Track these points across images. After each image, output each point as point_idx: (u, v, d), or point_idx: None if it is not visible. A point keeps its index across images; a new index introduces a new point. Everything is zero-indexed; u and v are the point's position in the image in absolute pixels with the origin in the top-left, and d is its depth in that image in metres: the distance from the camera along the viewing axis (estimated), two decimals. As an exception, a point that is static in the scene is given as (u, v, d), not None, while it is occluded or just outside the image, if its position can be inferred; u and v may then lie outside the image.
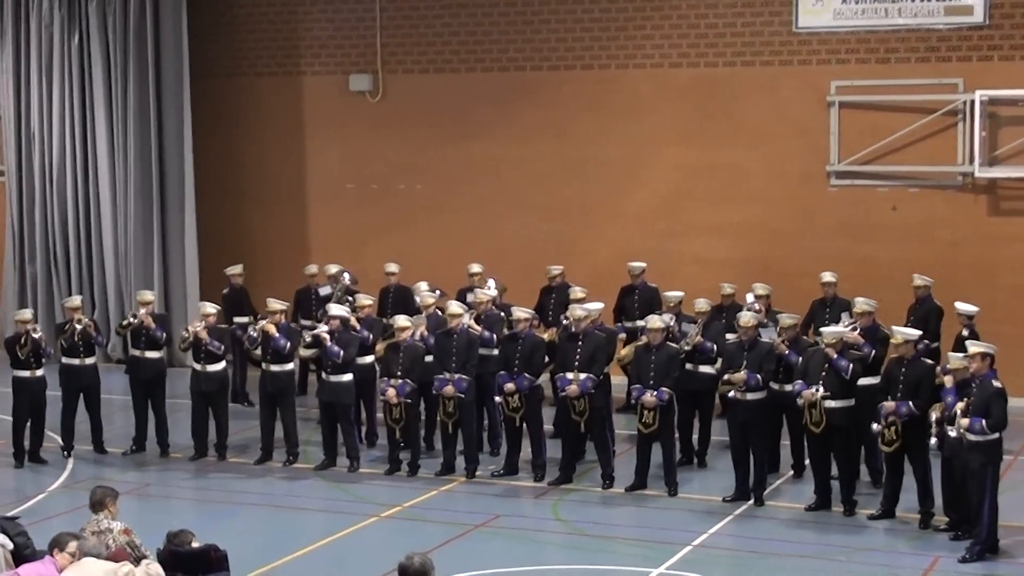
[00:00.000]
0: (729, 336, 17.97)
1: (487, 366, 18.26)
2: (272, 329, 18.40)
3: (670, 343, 17.29)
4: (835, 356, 15.94)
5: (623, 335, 20.16)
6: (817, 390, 15.83)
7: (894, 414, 15.23)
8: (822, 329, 16.85)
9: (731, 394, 16.71)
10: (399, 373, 17.71)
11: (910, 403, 15.17)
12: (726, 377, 16.72)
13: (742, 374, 16.37)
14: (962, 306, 18.41)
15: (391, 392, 17.64)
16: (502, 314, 19.04)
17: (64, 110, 25.94)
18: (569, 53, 23.89)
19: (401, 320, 18.14)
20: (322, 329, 18.32)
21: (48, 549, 10.91)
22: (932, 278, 19.57)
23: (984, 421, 14.16)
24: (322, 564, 14.77)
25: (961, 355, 15.01)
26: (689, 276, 21.85)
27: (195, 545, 11.04)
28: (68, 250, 26.23)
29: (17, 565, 11.08)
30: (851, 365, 15.90)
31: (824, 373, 15.91)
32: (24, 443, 18.73)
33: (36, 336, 18.48)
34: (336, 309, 18.67)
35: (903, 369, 15.48)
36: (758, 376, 16.37)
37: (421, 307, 19.37)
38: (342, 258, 22.72)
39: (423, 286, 20.28)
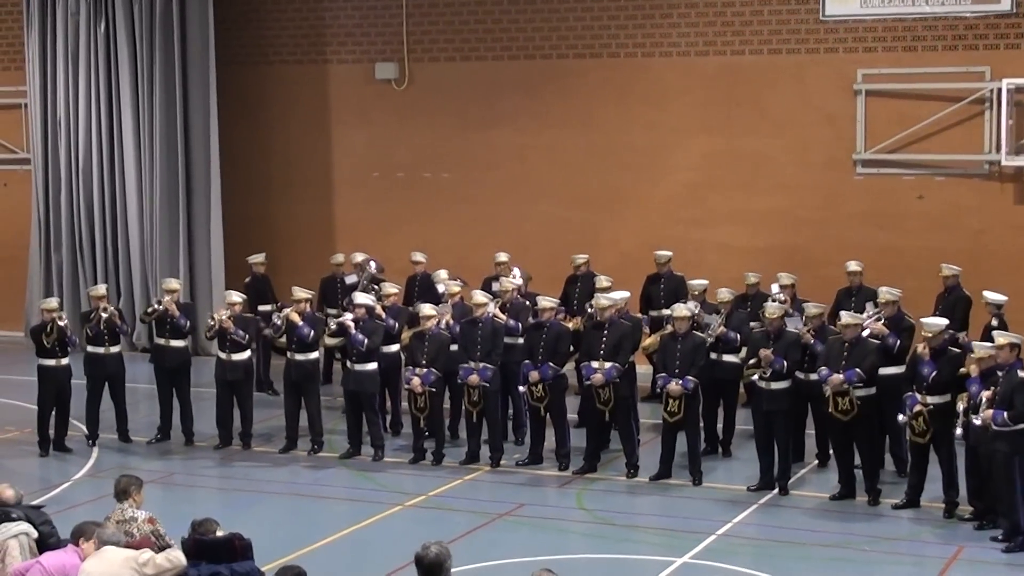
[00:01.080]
0: (754, 325, 17.93)
1: (512, 355, 18.25)
2: (296, 317, 18.42)
3: (696, 332, 17.27)
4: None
5: (647, 329, 20.10)
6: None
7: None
8: (841, 313, 16.80)
9: (755, 377, 16.61)
10: (424, 362, 17.72)
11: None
12: (753, 360, 16.66)
13: (769, 352, 16.32)
14: (991, 295, 18.32)
15: (416, 381, 17.65)
16: (527, 303, 19.03)
17: (90, 98, 25.99)
18: (595, 41, 23.85)
19: (427, 308, 18.14)
20: (347, 317, 18.33)
21: (72, 539, 10.94)
22: (959, 267, 19.50)
23: (1006, 413, 14.12)
24: (346, 553, 14.81)
25: (988, 344, 14.98)
26: (714, 264, 21.83)
27: (219, 534, 11.04)
28: (94, 239, 26.29)
29: (41, 554, 11.11)
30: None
31: (844, 362, 15.88)
32: (49, 432, 18.80)
33: (62, 324, 18.54)
34: (362, 297, 18.67)
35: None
36: (784, 360, 16.32)
37: (446, 295, 19.37)
38: (368, 246, 22.74)
39: (443, 274, 20.31)
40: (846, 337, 16.07)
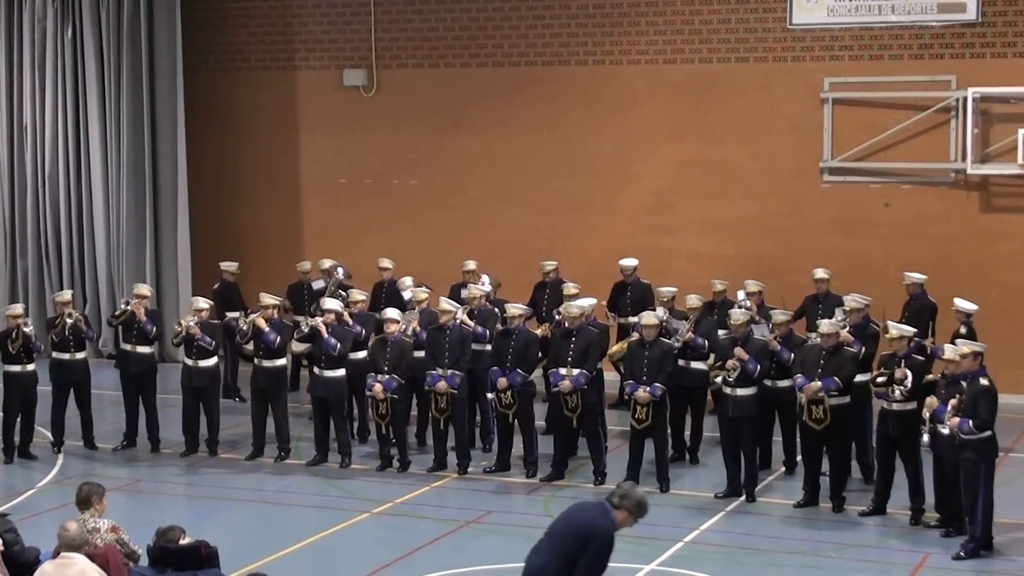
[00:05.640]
0: (721, 332, 17.96)
1: (480, 362, 18.23)
2: (262, 323, 18.35)
3: (663, 339, 17.29)
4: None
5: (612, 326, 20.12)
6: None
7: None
8: (820, 322, 16.79)
9: (720, 378, 16.53)
10: (386, 368, 17.68)
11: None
12: (719, 363, 16.65)
13: (735, 362, 16.32)
14: (961, 303, 18.37)
15: (377, 387, 17.61)
16: (496, 310, 19.02)
17: (57, 104, 25.88)
18: (564, 49, 23.88)
19: (391, 313, 18.10)
20: (319, 321, 18.25)
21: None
22: (925, 275, 19.57)
23: (971, 422, 14.16)
24: (313, 560, 14.75)
25: (954, 350, 15.02)
26: (682, 272, 21.84)
27: (185, 541, 11.00)
28: (60, 245, 26.18)
29: (6, 561, 11.03)
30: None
31: (820, 370, 15.90)
32: (14, 438, 18.68)
33: (27, 331, 18.43)
34: (330, 303, 18.64)
35: (896, 366, 15.48)
36: (758, 363, 16.34)
37: (414, 302, 19.34)
38: (335, 253, 22.66)
39: (408, 281, 20.28)
40: (824, 345, 16.09)
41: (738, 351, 16.34)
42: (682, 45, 23.18)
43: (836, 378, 15.78)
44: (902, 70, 22.03)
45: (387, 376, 17.62)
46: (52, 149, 25.99)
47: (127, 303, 19.52)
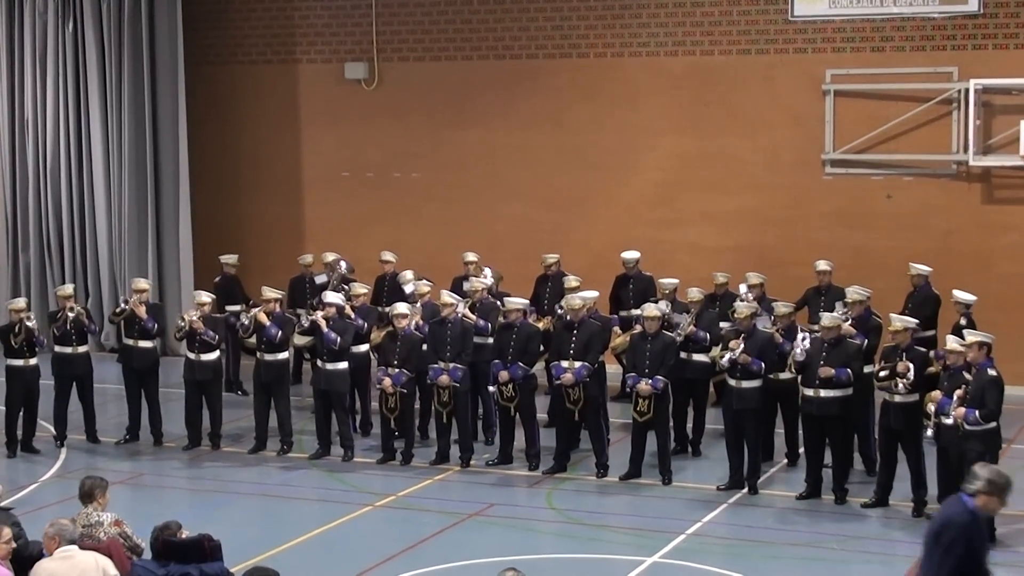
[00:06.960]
0: (724, 325, 17.97)
1: (482, 355, 18.22)
2: (264, 318, 18.35)
3: (665, 332, 17.29)
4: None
5: (618, 327, 20.10)
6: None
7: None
8: (822, 315, 16.79)
9: (726, 358, 16.49)
10: (396, 362, 17.68)
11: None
12: (725, 344, 16.66)
13: (738, 341, 16.32)
14: (960, 294, 18.40)
15: (387, 381, 17.61)
16: (497, 303, 19.01)
17: (58, 98, 25.87)
18: (565, 41, 23.86)
19: (401, 307, 18.09)
20: (319, 315, 18.26)
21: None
22: (928, 266, 19.57)
23: (977, 412, 14.17)
24: (316, 553, 14.76)
25: (957, 340, 15.02)
26: (684, 264, 21.85)
27: (184, 535, 11.00)
28: (62, 238, 26.18)
29: (12, 556, 11.02)
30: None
31: (823, 362, 15.90)
32: (17, 432, 18.69)
33: (30, 325, 18.44)
34: (332, 296, 18.66)
35: (898, 358, 15.48)
36: (762, 362, 16.34)
37: (416, 295, 19.34)
38: (337, 246, 22.70)
39: (408, 275, 20.27)
40: (826, 338, 16.09)
41: (742, 358, 16.31)
42: (684, 37, 23.16)
43: (848, 370, 15.81)
44: (904, 62, 22.02)
45: (396, 370, 17.63)
46: (54, 143, 25.99)
47: (126, 301, 19.53)
